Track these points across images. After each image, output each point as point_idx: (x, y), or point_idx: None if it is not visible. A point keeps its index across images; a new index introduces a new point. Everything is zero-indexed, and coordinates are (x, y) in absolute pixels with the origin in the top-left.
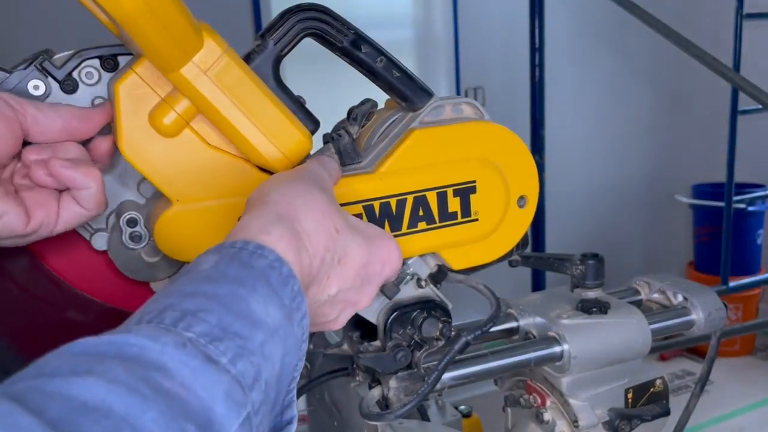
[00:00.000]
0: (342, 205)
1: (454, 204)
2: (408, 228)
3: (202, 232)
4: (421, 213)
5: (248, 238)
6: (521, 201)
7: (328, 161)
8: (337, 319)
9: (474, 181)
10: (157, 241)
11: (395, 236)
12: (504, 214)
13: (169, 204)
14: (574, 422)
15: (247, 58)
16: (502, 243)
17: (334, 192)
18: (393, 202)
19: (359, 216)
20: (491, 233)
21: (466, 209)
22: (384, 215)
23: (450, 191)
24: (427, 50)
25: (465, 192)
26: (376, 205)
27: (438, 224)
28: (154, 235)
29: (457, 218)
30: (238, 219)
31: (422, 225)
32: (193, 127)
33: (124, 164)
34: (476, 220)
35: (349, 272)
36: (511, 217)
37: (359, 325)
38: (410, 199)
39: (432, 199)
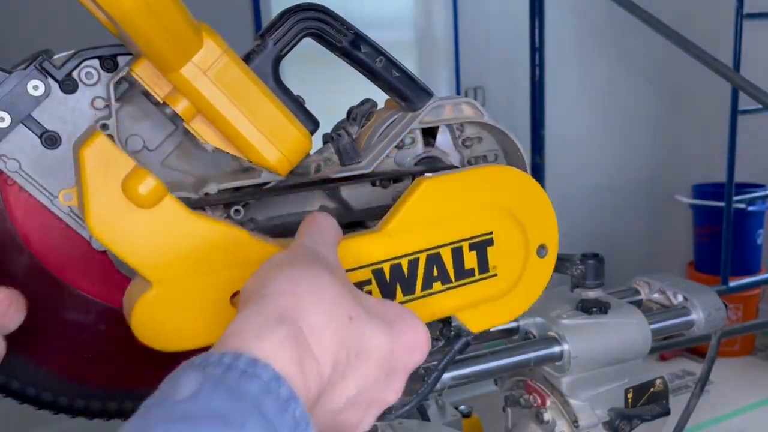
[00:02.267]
0: (347, 271)
1: (470, 259)
2: (422, 290)
3: (189, 315)
4: (435, 272)
5: (239, 349)
6: (542, 251)
7: (323, 223)
8: (360, 424)
9: (491, 233)
10: (135, 329)
11: (408, 300)
12: (524, 267)
13: (148, 285)
14: (574, 422)
15: (247, 58)
16: (524, 298)
17: (339, 256)
18: (404, 262)
19: (368, 282)
20: (512, 288)
21: (483, 264)
22: (395, 278)
23: (466, 245)
24: (427, 50)
25: (482, 245)
26: (386, 267)
27: (454, 283)
28: (131, 324)
29: (474, 275)
30: (231, 296)
31: (437, 285)
32: (172, 195)
33: None
34: (495, 275)
35: (369, 368)
36: (531, 269)
37: None
38: (423, 257)
39: (447, 255)
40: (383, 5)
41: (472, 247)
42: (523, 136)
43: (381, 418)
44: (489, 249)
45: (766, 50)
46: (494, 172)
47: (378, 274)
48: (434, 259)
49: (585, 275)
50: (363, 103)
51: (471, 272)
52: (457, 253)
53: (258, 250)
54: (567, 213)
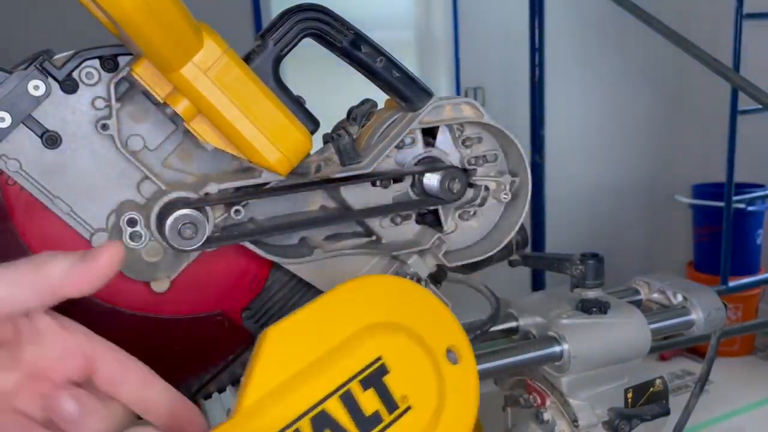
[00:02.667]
0: None
1: (369, 401)
2: None
3: None
4: None
5: None
6: (451, 356)
7: None
8: None
9: (379, 358)
10: None
11: None
12: (441, 382)
13: None
14: (573, 422)
15: (247, 58)
16: (462, 416)
17: None
18: None
19: None
20: (440, 412)
21: (388, 401)
22: None
23: (355, 386)
24: (427, 50)
25: (375, 377)
26: None
27: None
28: None
29: (383, 419)
30: None
31: None
32: None
33: (123, 164)
34: (409, 407)
35: None
36: (452, 381)
37: None
38: (306, 424)
39: (336, 409)
40: (383, 5)
41: (365, 385)
42: (523, 136)
43: None
44: (386, 379)
45: (766, 50)
46: (355, 288)
47: None
48: (322, 420)
49: (585, 275)
50: (363, 103)
51: (377, 418)
52: (349, 400)
53: None
54: (567, 213)
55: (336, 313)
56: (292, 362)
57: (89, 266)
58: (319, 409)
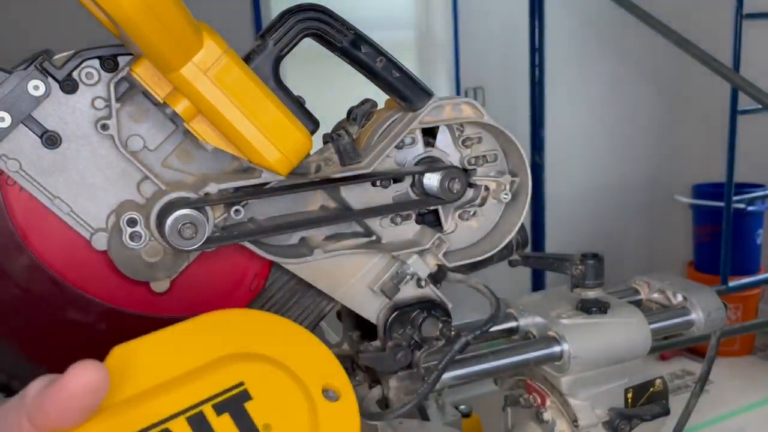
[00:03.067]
0: None
1: (223, 426)
2: None
3: None
4: None
5: None
6: (329, 394)
7: None
8: None
9: (241, 383)
10: None
11: None
12: (313, 416)
13: None
14: (573, 422)
15: (247, 58)
16: None
17: None
18: None
19: None
20: None
21: (247, 427)
22: None
23: (207, 409)
24: (427, 51)
25: (234, 403)
26: None
27: None
28: None
29: None
30: None
31: None
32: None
33: (123, 164)
34: None
35: None
36: (327, 417)
37: (359, 325)
38: None
39: (181, 430)
40: (383, 5)
41: (220, 409)
42: (523, 136)
43: (381, 417)
44: (248, 405)
45: (766, 50)
46: (218, 319)
47: None
48: None
49: (585, 275)
50: (363, 103)
51: None
52: (200, 423)
53: None
54: (567, 213)
55: (193, 340)
56: (135, 382)
57: (56, 395)
58: (160, 428)
